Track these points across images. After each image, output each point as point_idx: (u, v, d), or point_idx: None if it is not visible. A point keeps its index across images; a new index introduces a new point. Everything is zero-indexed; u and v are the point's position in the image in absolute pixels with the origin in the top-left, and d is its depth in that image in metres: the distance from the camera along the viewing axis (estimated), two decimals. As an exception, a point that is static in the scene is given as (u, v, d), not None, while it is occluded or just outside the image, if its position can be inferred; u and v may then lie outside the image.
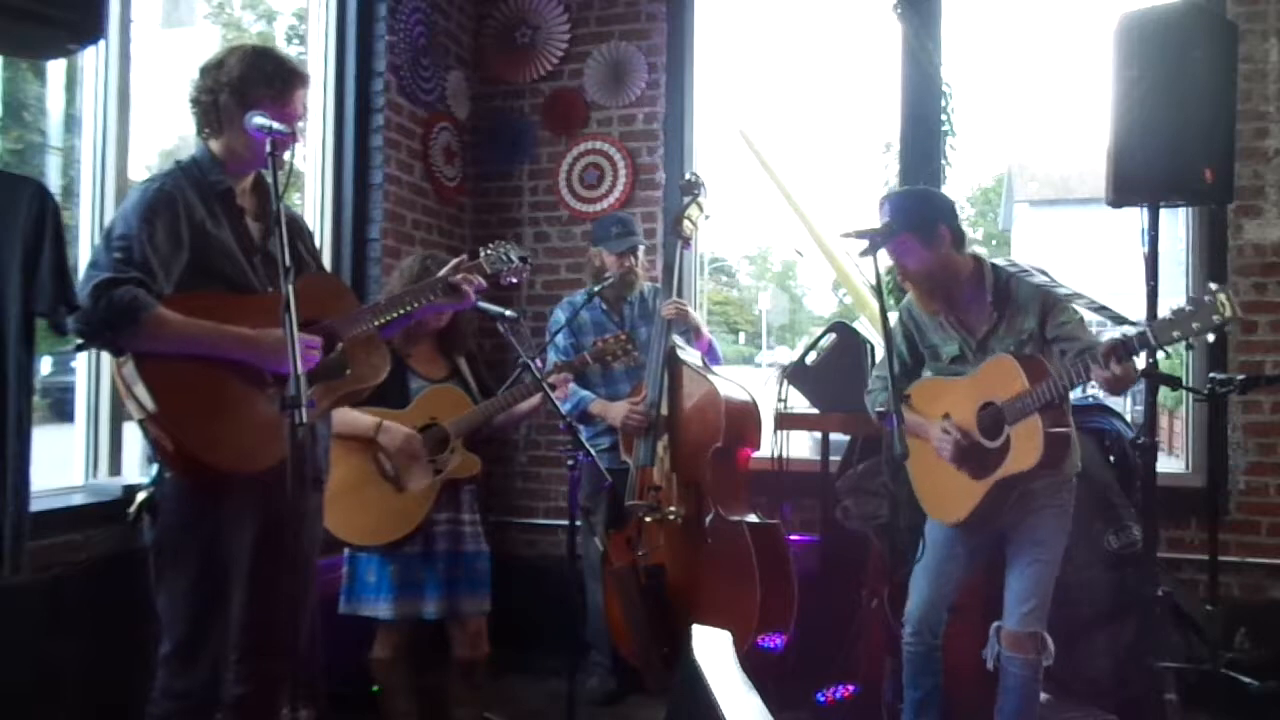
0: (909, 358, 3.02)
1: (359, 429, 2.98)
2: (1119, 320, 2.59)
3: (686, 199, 3.75)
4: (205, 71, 2.31)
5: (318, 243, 3.91)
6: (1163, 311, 2.63)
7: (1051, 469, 2.70)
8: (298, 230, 2.48)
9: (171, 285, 2.16)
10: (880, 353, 3.35)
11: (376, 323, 2.42)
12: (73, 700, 2.62)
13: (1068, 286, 2.77)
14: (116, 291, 2.04)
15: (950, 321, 2.88)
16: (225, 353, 2.15)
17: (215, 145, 2.32)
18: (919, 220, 2.78)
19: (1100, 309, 2.66)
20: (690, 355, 3.73)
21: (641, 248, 3.89)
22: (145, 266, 2.11)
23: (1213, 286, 2.24)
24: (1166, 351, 2.84)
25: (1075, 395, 3.22)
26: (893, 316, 3.04)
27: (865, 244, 2.55)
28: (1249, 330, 3.80)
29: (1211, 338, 2.28)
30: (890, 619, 2.78)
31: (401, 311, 2.49)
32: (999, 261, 2.90)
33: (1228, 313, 2.20)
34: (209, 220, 2.25)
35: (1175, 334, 2.29)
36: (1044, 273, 2.84)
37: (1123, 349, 2.38)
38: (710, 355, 3.82)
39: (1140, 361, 2.95)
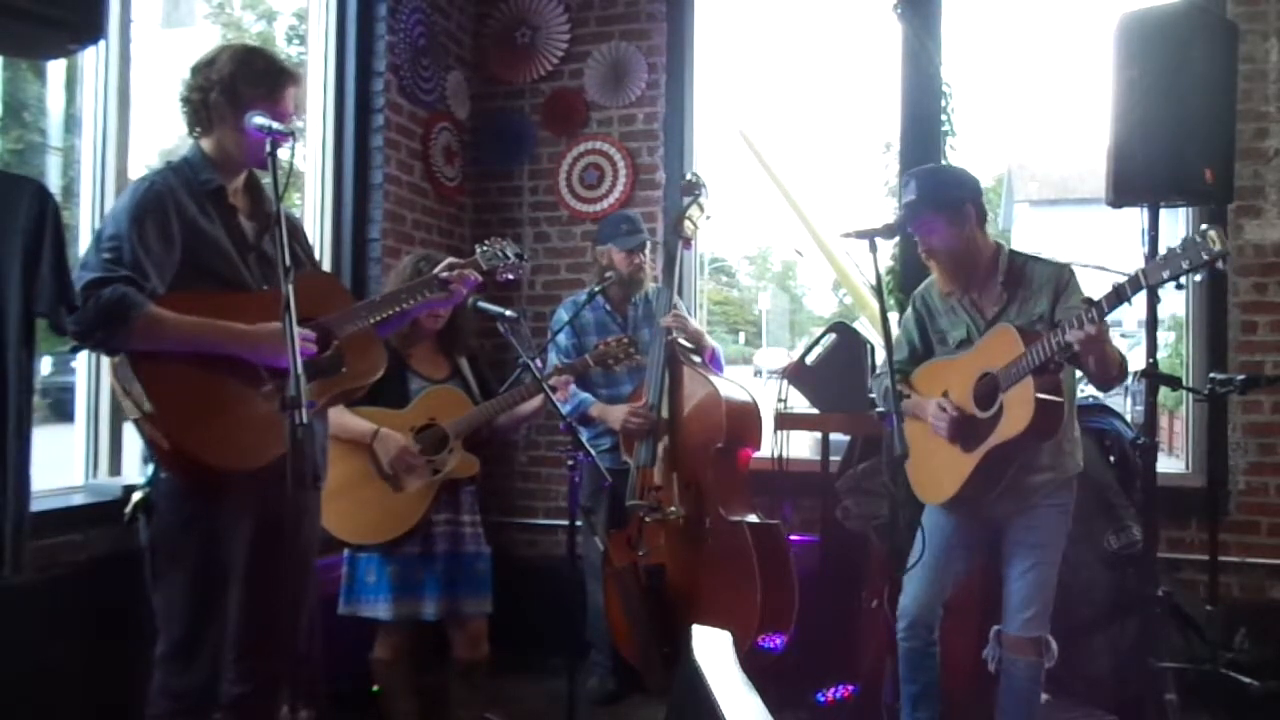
0: (920, 345, 3.01)
1: (355, 435, 2.98)
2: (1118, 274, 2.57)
3: (688, 199, 3.75)
4: (196, 70, 2.31)
5: (318, 242, 3.93)
6: (1162, 314, 2.62)
7: (1044, 437, 2.67)
8: (293, 230, 2.47)
9: (165, 285, 2.15)
10: (880, 352, 3.34)
11: (372, 320, 2.42)
12: (73, 700, 2.62)
13: (1087, 264, 2.75)
14: (105, 291, 2.04)
15: (963, 303, 2.87)
16: (220, 348, 2.15)
17: (206, 144, 2.32)
18: (946, 199, 2.77)
19: (1100, 268, 2.66)
20: (695, 358, 3.73)
21: (649, 245, 3.89)
22: (136, 266, 2.10)
23: (1203, 226, 2.23)
24: (1165, 293, 2.77)
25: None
26: (893, 316, 3.04)
27: (865, 243, 2.53)
28: (1249, 330, 3.80)
29: (1200, 276, 2.26)
30: (890, 619, 2.78)
31: (397, 308, 2.49)
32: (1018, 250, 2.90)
33: (1217, 247, 2.17)
34: (201, 219, 2.24)
35: (1165, 274, 2.26)
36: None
37: (1113, 297, 2.35)
38: (714, 366, 3.82)
39: (1139, 358, 2.95)
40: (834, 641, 3.60)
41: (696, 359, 3.74)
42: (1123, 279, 2.37)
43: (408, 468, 2.99)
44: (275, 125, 2.12)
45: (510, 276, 2.82)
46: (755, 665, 3.03)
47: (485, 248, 2.77)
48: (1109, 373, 2.59)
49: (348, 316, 2.38)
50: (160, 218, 2.17)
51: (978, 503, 2.78)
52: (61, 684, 2.60)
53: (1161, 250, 3.05)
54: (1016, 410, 2.60)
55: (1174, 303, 2.56)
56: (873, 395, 3.12)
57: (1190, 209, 3.88)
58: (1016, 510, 2.78)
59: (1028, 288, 2.78)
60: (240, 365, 2.18)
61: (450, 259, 2.70)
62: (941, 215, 2.75)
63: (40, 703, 2.55)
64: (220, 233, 2.27)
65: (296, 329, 1.98)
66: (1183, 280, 2.32)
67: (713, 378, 3.64)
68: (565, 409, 3.34)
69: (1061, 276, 2.76)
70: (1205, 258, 2.19)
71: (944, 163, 3.78)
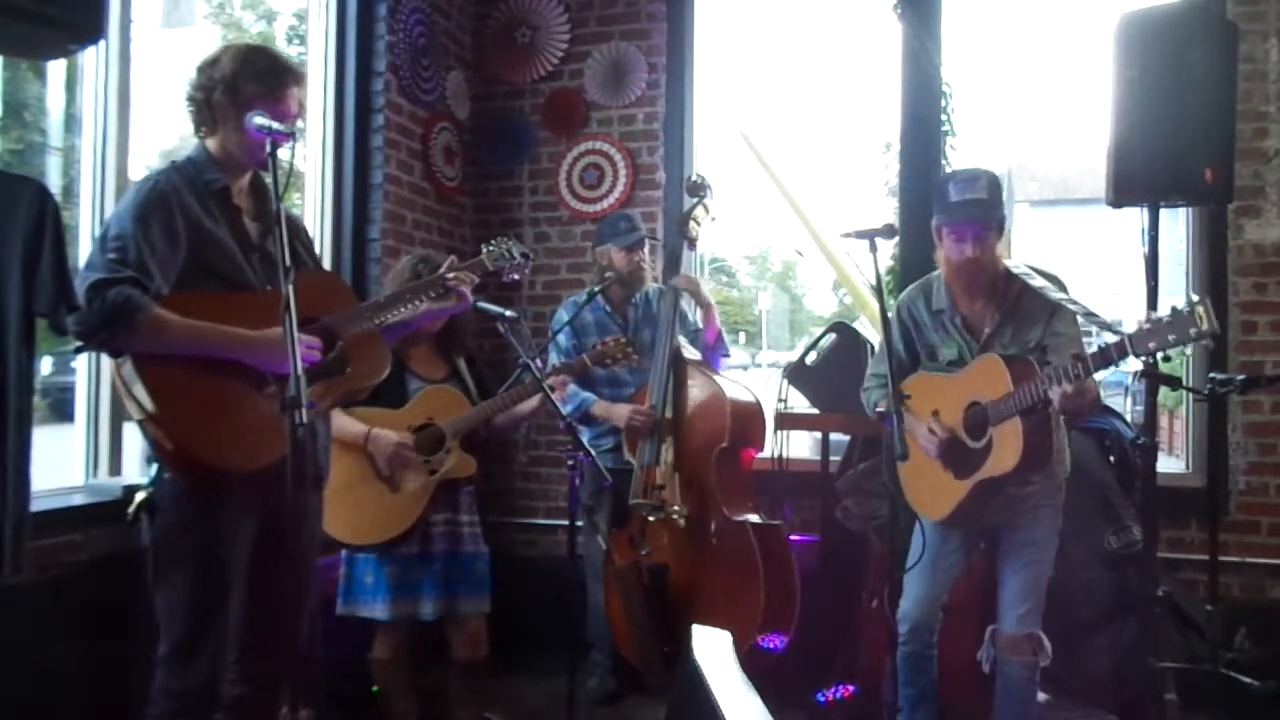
0: (905, 355, 3.00)
1: (348, 437, 2.97)
2: (1105, 327, 2.58)
3: (693, 200, 3.76)
4: (201, 69, 2.31)
5: (318, 243, 3.92)
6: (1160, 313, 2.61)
7: (1032, 472, 2.71)
8: (295, 230, 2.48)
9: (170, 284, 2.15)
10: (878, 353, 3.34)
11: (376, 321, 2.42)
12: (73, 700, 2.62)
13: (1078, 302, 2.75)
14: (110, 292, 2.04)
15: (955, 322, 2.87)
16: (222, 353, 2.15)
17: (211, 144, 2.32)
18: (1002, 209, 2.80)
19: (1088, 315, 2.65)
20: (695, 356, 3.73)
21: (649, 243, 3.89)
22: (141, 266, 2.10)
23: (1193, 297, 2.23)
24: (1167, 357, 2.84)
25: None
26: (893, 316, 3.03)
27: (865, 243, 2.53)
28: (1249, 330, 3.80)
29: (1189, 350, 2.28)
30: (890, 619, 2.78)
31: (401, 308, 2.48)
32: (1017, 268, 2.88)
33: (1204, 326, 2.19)
34: (205, 219, 2.24)
35: (1152, 344, 2.27)
36: (1056, 279, 2.82)
37: (1099, 358, 2.38)
38: (718, 345, 3.82)
39: (1135, 365, 2.95)
40: (834, 641, 3.60)
41: (698, 357, 3.74)
42: (1110, 341, 2.38)
43: (403, 465, 2.99)
44: (275, 125, 2.12)
45: (516, 276, 2.83)
46: (755, 665, 3.03)
47: (491, 247, 2.77)
48: (1082, 417, 2.63)
49: (352, 317, 2.38)
50: (165, 217, 2.17)
51: (973, 519, 2.82)
52: (61, 684, 2.60)
53: (1163, 251, 3.06)
54: (1006, 449, 2.64)
55: (1174, 302, 2.53)
56: (864, 395, 3.12)
57: (1190, 209, 3.88)
58: (1011, 516, 2.82)
59: (1020, 316, 2.80)
60: (244, 367, 2.18)
61: (451, 258, 2.70)
62: (995, 223, 2.77)
63: (40, 703, 2.55)
64: (224, 233, 2.27)
65: (300, 335, 1.98)
66: (1170, 353, 2.36)
67: (717, 378, 3.64)
68: (566, 409, 3.34)
69: (1052, 305, 2.76)
70: (1192, 334, 2.22)
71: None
